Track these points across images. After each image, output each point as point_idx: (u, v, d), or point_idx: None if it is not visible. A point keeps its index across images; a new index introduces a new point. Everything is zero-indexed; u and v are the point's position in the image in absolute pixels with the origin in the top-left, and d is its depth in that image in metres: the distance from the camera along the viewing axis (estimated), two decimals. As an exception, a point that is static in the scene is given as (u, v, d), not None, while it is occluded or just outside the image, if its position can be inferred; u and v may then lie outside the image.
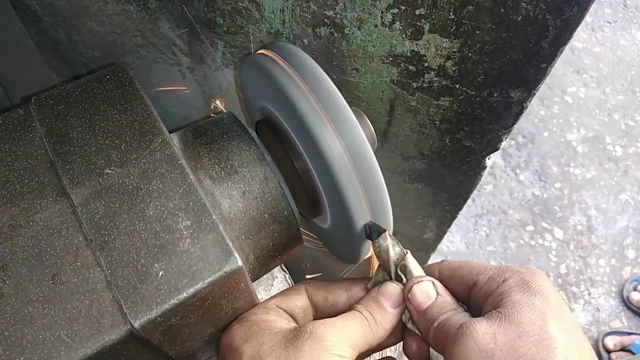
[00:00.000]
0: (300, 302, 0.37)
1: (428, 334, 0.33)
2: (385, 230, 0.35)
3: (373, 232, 0.36)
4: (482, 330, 0.28)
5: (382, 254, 0.35)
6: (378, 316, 0.34)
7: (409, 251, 0.36)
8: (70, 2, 0.58)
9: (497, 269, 0.32)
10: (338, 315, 0.34)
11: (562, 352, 0.27)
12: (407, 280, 0.35)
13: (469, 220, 1.62)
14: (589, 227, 1.61)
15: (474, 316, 0.31)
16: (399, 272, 0.35)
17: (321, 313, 0.37)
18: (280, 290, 0.60)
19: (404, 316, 0.35)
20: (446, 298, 0.33)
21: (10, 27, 0.66)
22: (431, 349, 0.34)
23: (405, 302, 0.34)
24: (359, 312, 0.34)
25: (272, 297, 0.37)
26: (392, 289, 0.35)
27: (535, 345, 0.27)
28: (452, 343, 0.29)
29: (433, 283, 0.34)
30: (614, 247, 1.58)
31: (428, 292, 0.33)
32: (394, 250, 0.35)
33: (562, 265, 1.55)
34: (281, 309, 0.36)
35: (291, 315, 0.36)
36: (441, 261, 0.36)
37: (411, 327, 0.36)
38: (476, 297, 0.33)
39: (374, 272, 0.38)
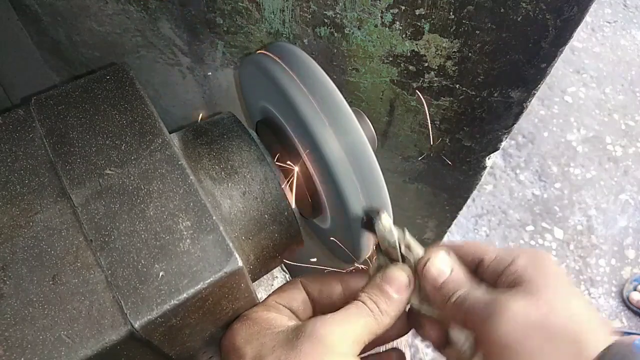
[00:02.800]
0: (298, 296, 0.37)
1: (445, 309, 0.33)
2: (382, 209, 0.35)
3: (372, 214, 0.35)
4: (516, 308, 0.28)
5: (385, 235, 0.35)
6: (383, 305, 0.33)
7: (405, 228, 0.35)
8: (70, 2, 0.58)
9: (503, 249, 0.33)
10: (341, 309, 0.33)
11: (589, 326, 0.28)
12: (418, 257, 0.34)
13: (469, 220, 1.62)
14: (589, 227, 1.61)
15: None
16: (403, 253, 0.35)
17: (319, 306, 0.37)
18: (281, 290, 0.60)
19: (415, 300, 0.35)
20: (460, 272, 0.33)
21: (10, 27, 0.66)
22: (451, 331, 0.33)
23: (419, 278, 0.34)
24: (363, 302, 0.34)
25: (270, 295, 0.37)
26: (397, 273, 0.34)
27: (567, 320, 0.28)
28: (485, 320, 0.29)
29: (445, 258, 0.34)
30: (614, 247, 1.58)
31: (443, 266, 0.33)
32: (395, 229, 0.35)
33: (562, 265, 1.55)
34: (281, 305, 0.36)
35: (291, 311, 0.36)
36: (439, 244, 0.36)
37: (425, 311, 0.35)
38: (483, 274, 0.33)
39: (374, 258, 0.37)
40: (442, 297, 0.33)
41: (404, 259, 0.35)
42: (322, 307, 0.37)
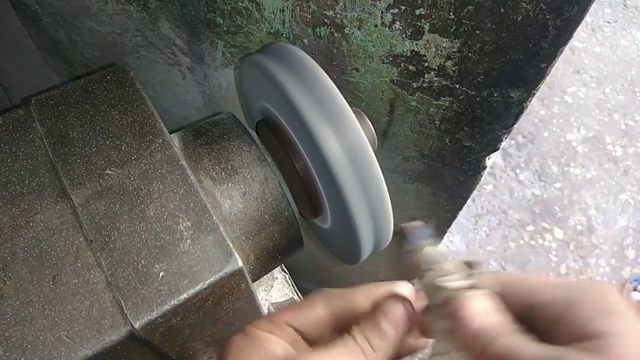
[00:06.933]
0: (313, 316, 0.33)
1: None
2: (433, 240, 0.31)
3: (416, 237, 0.31)
4: None
5: (416, 264, 0.30)
6: (376, 341, 0.30)
7: (454, 264, 0.30)
8: (70, 2, 0.58)
9: (560, 286, 0.28)
10: (329, 345, 0.30)
11: None
12: (450, 296, 0.29)
13: (469, 220, 1.62)
14: (589, 227, 1.61)
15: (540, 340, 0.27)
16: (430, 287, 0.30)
17: (344, 324, 0.33)
18: (280, 290, 0.60)
19: (443, 349, 0.30)
20: (502, 316, 0.28)
21: (10, 27, 0.66)
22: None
23: (454, 320, 0.29)
24: (353, 338, 0.30)
25: (283, 312, 0.33)
26: (392, 306, 0.30)
27: None
28: None
29: (486, 298, 0.28)
30: (614, 247, 1.58)
31: (483, 308, 0.28)
32: (432, 264, 0.30)
33: (562, 265, 1.55)
34: (292, 326, 0.32)
35: (302, 333, 0.33)
36: (490, 272, 0.31)
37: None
38: (539, 319, 0.28)
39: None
40: (481, 345, 0.27)
41: (437, 292, 0.30)
42: (345, 326, 0.32)
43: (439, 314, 0.30)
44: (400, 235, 0.32)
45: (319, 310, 0.33)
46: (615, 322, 0.26)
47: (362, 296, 0.33)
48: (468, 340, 0.28)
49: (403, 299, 0.31)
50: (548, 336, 0.27)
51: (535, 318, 0.28)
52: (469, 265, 0.30)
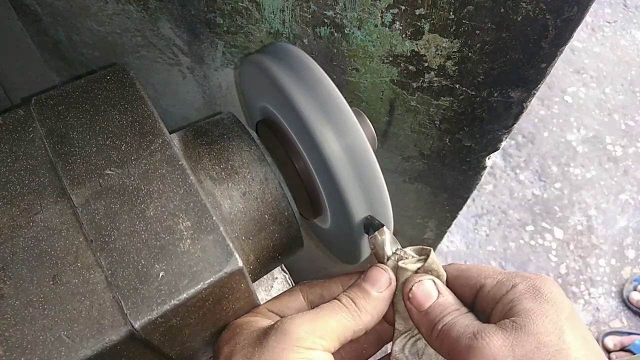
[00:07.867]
0: (292, 303, 0.36)
1: (431, 336, 0.31)
2: (382, 226, 0.34)
3: (371, 226, 0.35)
4: (499, 343, 0.27)
5: (377, 250, 0.34)
6: (361, 302, 0.32)
7: (410, 251, 0.34)
8: (70, 2, 0.58)
9: (506, 274, 0.31)
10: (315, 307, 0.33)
11: None
12: (405, 279, 0.33)
13: (469, 220, 1.62)
14: (589, 227, 1.62)
15: (480, 320, 0.30)
16: (394, 270, 0.34)
17: None
18: (280, 291, 0.60)
19: (401, 309, 0.34)
20: (448, 297, 0.32)
21: (10, 27, 0.66)
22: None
23: (404, 301, 0.33)
24: (338, 300, 0.33)
25: (265, 302, 0.36)
26: (376, 272, 0.33)
27: (554, 356, 0.26)
28: (466, 353, 0.28)
29: (433, 281, 0.32)
30: (614, 247, 1.58)
31: (429, 290, 0.32)
32: (391, 248, 0.34)
33: (562, 265, 1.55)
34: (272, 312, 0.35)
35: (283, 317, 0.35)
36: (449, 264, 0.34)
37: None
38: (483, 301, 0.31)
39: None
40: (429, 323, 0.31)
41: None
42: None
43: (401, 294, 0.34)
44: (364, 225, 0.36)
45: (298, 299, 0.36)
46: (537, 305, 0.28)
47: (337, 285, 0.36)
48: (419, 318, 0.32)
49: (384, 268, 0.34)
50: (489, 315, 0.30)
51: (481, 300, 0.31)
52: (424, 252, 0.34)
